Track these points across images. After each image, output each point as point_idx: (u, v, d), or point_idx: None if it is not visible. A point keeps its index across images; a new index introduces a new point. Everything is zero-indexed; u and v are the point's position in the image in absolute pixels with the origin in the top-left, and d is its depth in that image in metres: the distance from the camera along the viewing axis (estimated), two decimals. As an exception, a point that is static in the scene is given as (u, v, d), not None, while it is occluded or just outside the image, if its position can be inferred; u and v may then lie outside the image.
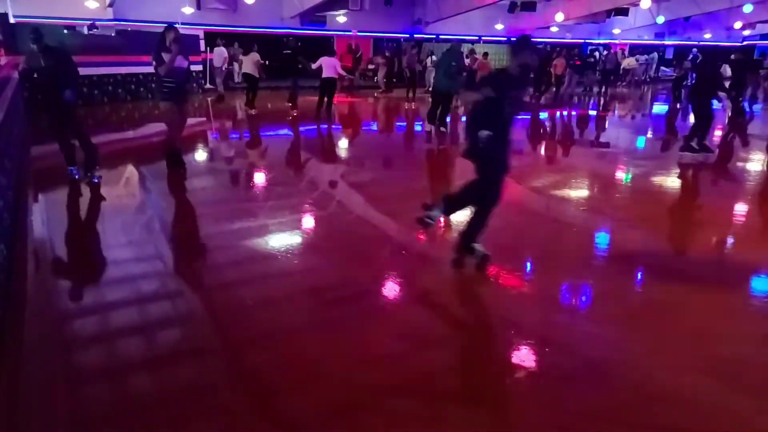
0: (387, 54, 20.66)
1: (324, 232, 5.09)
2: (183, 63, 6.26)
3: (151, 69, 6.57)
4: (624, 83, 23.93)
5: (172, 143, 6.62)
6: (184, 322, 3.30)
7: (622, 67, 22.77)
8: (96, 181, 6.04)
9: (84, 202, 5.79)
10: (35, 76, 8.33)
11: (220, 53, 15.99)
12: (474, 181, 3.83)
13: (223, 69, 16.24)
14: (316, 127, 11.63)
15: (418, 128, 11.80)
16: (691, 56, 20.70)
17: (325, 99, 12.01)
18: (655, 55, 27.37)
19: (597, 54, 24.04)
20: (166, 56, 6.08)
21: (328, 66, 11.78)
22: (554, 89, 17.41)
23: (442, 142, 9.81)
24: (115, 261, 4.24)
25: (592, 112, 16.15)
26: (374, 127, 13.42)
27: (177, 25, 6.63)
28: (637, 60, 24.62)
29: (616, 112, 16.51)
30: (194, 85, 16.63)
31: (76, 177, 6.13)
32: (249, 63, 12.58)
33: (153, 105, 14.56)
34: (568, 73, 17.45)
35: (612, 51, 23.39)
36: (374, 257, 4.35)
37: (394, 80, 19.90)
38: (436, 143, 9.72)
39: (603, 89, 19.85)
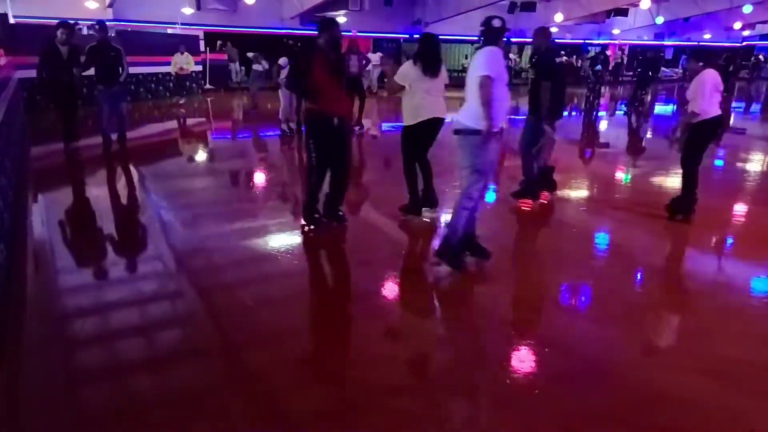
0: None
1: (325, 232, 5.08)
2: None
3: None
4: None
5: None
6: (184, 323, 3.30)
7: None
8: None
9: (84, 202, 5.79)
10: None
11: None
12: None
13: None
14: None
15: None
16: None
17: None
18: None
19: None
20: None
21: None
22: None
23: None
24: (115, 261, 4.24)
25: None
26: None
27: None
28: None
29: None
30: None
31: None
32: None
33: (153, 105, 14.60)
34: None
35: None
36: (374, 258, 4.35)
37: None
38: None
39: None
